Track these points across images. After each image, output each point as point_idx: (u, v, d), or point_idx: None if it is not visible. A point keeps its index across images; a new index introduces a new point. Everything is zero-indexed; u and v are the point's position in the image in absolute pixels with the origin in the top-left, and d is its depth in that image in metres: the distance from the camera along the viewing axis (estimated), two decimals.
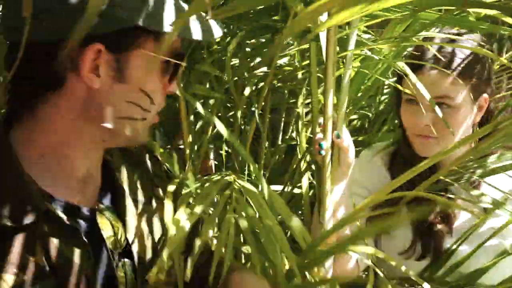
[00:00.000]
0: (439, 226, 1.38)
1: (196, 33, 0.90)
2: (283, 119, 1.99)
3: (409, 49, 1.43)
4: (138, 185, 1.06)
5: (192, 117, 1.54)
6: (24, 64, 0.77)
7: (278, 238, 1.00)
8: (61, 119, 0.88)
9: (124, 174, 1.05)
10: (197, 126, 1.69)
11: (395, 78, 1.44)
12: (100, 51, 0.83)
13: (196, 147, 1.60)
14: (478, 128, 1.38)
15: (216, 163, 2.08)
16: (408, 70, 1.21)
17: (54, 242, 0.85)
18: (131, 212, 1.00)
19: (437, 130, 1.31)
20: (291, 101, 1.90)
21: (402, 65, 1.23)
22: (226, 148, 1.80)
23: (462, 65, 1.30)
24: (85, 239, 0.88)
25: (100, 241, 0.93)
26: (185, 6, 0.91)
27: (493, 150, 1.27)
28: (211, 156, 2.05)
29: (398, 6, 1.19)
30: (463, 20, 1.14)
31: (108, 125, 0.89)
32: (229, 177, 1.10)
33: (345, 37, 1.22)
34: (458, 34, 1.33)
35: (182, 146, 1.93)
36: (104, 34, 0.82)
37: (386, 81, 1.38)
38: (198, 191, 1.10)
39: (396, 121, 1.65)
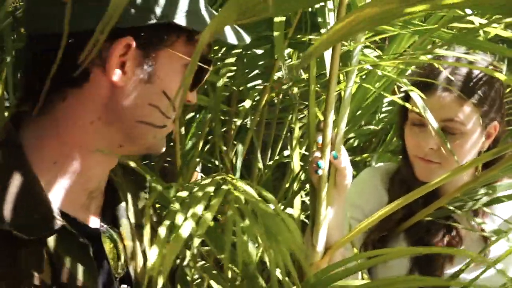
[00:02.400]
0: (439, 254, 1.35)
1: (231, 37, 0.88)
2: (273, 134, 1.95)
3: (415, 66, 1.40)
4: (139, 207, 1.02)
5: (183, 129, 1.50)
6: (43, 57, 0.74)
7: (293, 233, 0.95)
8: (79, 120, 0.83)
9: (126, 194, 1.00)
10: (188, 138, 1.65)
11: (401, 95, 1.41)
12: (130, 46, 0.79)
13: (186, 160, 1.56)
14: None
15: (203, 176, 2.03)
16: (414, 89, 1.17)
17: (63, 260, 0.80)
18: (132, 236, 0.96)
19: (441, 156, 1.29)
20: (283, 115, 1.87)
21: (406, 82, 1.19)
22: (216, 162, 1.76)
23: (476, 90, 1.27)
24: (93, 260, 0.83)
25: (104, 263, 0.88)
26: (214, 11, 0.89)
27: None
28: (198, 169, 2.01)
29: (404, 21, 1.16)
30: (473, 40, 1.11)
31: (128, 130, 0.85)
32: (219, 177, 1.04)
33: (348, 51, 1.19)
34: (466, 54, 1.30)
35: (169, 159, 1.90)
36: (135, 29, 0.78)
37: (390, 97, 1.35)
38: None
39: (395, 141, 1.63)
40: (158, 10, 0.79)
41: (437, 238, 1.37)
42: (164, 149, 0.92)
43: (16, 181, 0.79)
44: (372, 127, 1.75)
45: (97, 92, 0.82)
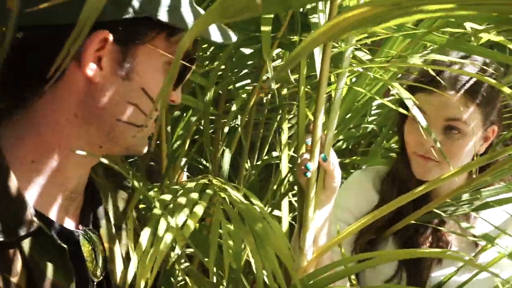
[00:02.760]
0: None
1: (216, 36, 0.86)
2: (261, 134, 1.93)
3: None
4: (121, 209, 0.99)
5: (169, 128, 1.48)
6: (18, 53, 0.72)
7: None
8: (55, 118, 0.81)
9: (107, 195, 0.98)
10: (174, 137, 1.63)
11: (392, 97, 1.41)
12: (107, 40, 0.77)
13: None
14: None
15: (190, 176, 2.02)
16: (404, 92, 1.17)
17: (38, 263, 0.78)
18: (111, 238, 0.93)
19: (441, 154, 1.28)
20: (271, 116, 1.86)
21: (397, 85, 1.18)
22: (205, 162, 1.75)
23: (481, 92, 1.28)
24: (71, 264, 0.81)
25: (82, 266, 0.86)
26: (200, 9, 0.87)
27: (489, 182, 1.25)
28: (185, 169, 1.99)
29: (396, 25, 1.15)
30: (465, 44, 1.11)
31: (107, 128, 0.82)
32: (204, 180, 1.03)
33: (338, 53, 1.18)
34: (463, 58, 1.30)
35: (155, 157, 1.88)
36: (113, 22, 0.76)
37: (381, 100, 1.34)
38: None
39: (385, 144, 1.62)
40: (137, 4, 0.76)
41: (425, 239, 1.37)
42: (145, 150, 0.89)
43: None
44: (363, 128, 1.75)
45: (73, 88, 0.80)
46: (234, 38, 0.90)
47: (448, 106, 1.28)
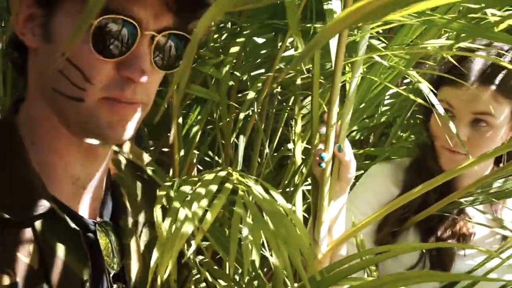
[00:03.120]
0: (451, 242, 1.35)
1: None
2: (271, 125, 1.92)
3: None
4: (143, 205, 0.98)
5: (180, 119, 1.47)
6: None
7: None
8: (31, 94, 0.82)
9: (129, 191, 0.97)
10: (185, 129, 1.62)
11: (404, 87, 1.40)
12: (31, 3, 0.76)
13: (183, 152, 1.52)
14: None
15: (202, 169, 2.01)
16: (422, 80, 1.16)
17: (51, 244, 0.78)
18: (129, 234, 0.92)
19: (469, 147, 1.28)
20: (282, 107, 1.84)
21: (414, 74, 1.17)
22: (212, 155, 1.74)
23: (509, 83, 1.28)
24: (86, 248, 0.81)
25: (98, 256, 0.85)
26: None
27: None
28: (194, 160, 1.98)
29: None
30: (484, 30, 1.09)
31: (51, 102, 0.80)
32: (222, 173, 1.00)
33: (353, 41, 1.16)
34: (487, 45, 1.29)
35: (165, 149, 1.87)
36: None
37: (395, 89, 1.32)
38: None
39: (401, 134, 1.60)
40: None
41: (447, 230, 1.36)
42: (122, 138, 0.82)
43: (7, 161, 0.79)
44: (376, 118, 1.74)
45: (31, 62, 0.81)
46: None
47: (476, 99, 1.28)
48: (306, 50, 0.54)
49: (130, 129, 0.82)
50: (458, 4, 1.17)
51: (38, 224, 0.77)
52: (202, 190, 0.95)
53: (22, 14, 0.77)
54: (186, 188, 0.96)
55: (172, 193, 0.93)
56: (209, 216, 0.87)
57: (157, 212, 0.89)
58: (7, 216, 0.74)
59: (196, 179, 1.00)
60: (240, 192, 0.95)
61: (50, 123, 0.81)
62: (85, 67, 0.76)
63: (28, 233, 0.77)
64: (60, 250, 0.79)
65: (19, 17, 0.77)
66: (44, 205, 0.78)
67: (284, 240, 0.91)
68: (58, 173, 0.83)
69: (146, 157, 1.10)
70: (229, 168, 1.02)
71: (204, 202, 0.91)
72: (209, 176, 0.99)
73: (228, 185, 0.96)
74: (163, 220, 0.88)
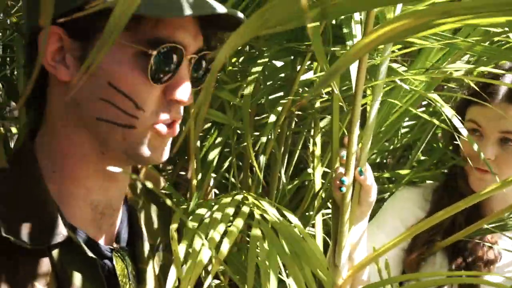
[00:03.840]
0: (478, 265, 1.35)
1: (177, 9, 0.75)
2: (288, 148, 1.91)
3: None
4: (158, 229, 0.99)
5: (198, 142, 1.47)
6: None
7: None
8: (56, 125, 0.82)
9: (145, 215, 0.97)
10: (202, 152, 1.62)
11: (423, 109, 1.40)
12: (61, 36, 0.76)
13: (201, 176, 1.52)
14: None
15: (218, 192, 2.00)
16: (441, 102, 1.16)
17: (68, 273, 0.78)
18: (146, 259, 0.92)
19: (498, 166, 1.31)
20: (300, 129, 1.84)
21: (434, 97, 1.17)
22: (231, 179, 1.73)
23: None
24: (103, 277, 0.81)
25: (115, 282, 0.85)
26: None
27: None
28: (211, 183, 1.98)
29: (433, 34, 1.13)
30: (505, 52, 1.09)
31: (94, 130, 0.80)
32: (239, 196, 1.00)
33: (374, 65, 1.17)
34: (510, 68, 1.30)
35: (182, 173, 1.87)
36: (63, 17, 0.71)
37: (417, 112, 1.33)
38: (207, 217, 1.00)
39: (422, 158, 1.60)
40: None
41: (474, 252, 1.36)
42: (161, 159, 0.84)
43: (26, 189, 0.79)
44: (397, 140, 1.73)
45: (55, 92, 0.81)
46: (221, 8, 0.79)
47: (503, 118, 1.29)
48: (328, 75, 0.54)
49: (168, 150, 0.85)
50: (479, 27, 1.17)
51: (55, 252, 0.78)
52: (218, 215, 0.95)
53: (52, 47, 0.77)
54: (202, 211, 0.96)
55: (188, 218, 0.94)
56: (225, 245, 0.87)
57: (173, 234, 0.90)
58: (25, 245, 0.75)
59: (213, 203, 1.01)
60: (257, 216, 0.95)
61: (78, 151, 0.82)
62: (134, 94, 0.78)
63: (45, 262, 0.77)
64: (77, 279, 0.79)
65: (48, 51, 0.77)
66: (62, 233, 0.78)
67: (300, 264, 0.91)
68: (77, 200, 0.83)
69: (162, 181, 1.11)
70: (244, 192, 1.02)
71: (221, 228, 0.91)
72: (225, 200, 0.99)
73: (245, 209, 0.96)
74: (179, 243, 0.89)
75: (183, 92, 0.80)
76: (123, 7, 0.48)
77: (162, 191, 1.08)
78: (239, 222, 0.93)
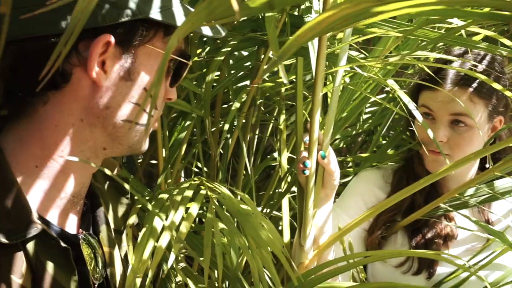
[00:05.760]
0: (436, 241, 1.41)
1: (205, 29, 0.90)
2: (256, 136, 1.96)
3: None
4: (120, 213, 1.03)
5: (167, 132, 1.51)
6: (23, 61, 0.76)
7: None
8: (60, 123, 0.83)
9: (107, 200, 1.01)
10: (171, 142, 1.65)
11: (384, 95, 1.45)
12: (109, 43, 0.80)
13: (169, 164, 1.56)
14: None
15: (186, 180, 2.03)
16: (397, 88, 1.21)
17: (44, 265, 0.81)
18: (111, 243, 0.96)
19: (450, 148, 1.36)
20: (266, 117, 1.88)
21: (392, 84, 1.22)
22: (200, 165, 1.77)
23: (486, 84, 1.34)
24: (74, 264, 0.84)
25: (83, 269, 0.88)
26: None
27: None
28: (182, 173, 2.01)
29: (390, 22, 1.19)
30: (460, 39, 1.15)
31: (111, 130, 0.86)
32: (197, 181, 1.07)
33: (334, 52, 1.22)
34: (462, 54, 1.36)
35: (153, 161, 1.90)
36: (113, 26, 0.79)
37: (374, 98, 1.38)
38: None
39: (383, 142, 1.66)
40: (134, 7, 0.80)
41: (433, 229, 1.42)
42: (146, 148, 0.93)
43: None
44: (359, 126, 1.79)
45: (79, 93, 0.82)
46: (223, 32, 0.94)
47: (453, 101, 1.34)
48: (281, 54, 0.58)
49: None
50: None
51: (30, 245, 0.80)
52: (178, 198, 1.01)
53: (96, 52, 0.80)
54: (164, 196, 1.03)
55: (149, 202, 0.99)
56: (185, 225, 0.94)
57: (132, 220, 0.97)
58: (1, 240, 0.76)
59: (173, 187, 1.06)
60: (212, 198, 1.01)
61: (75, 146, 0.86)
62: (157, 98, 0.88)
63: (20, 255, 0.79)
64: (50, 267, 0.81)
65: (93, 55, 0.79)
66: (36, 227, 0.80)
67: (254, 240, 0.97)
68: (56, 193, 0.86)
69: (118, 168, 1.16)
70: (202, 178, 1.08)
71: (181, 211, 0.97)
72: (185, 185, 1.05)
73: (202, 192, 1.02)
74: (142, 226, 0.94)
75: (174, 92, 0.94)
76: (84, 3, 0.52)
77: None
78: (195, 207, 0.99)
